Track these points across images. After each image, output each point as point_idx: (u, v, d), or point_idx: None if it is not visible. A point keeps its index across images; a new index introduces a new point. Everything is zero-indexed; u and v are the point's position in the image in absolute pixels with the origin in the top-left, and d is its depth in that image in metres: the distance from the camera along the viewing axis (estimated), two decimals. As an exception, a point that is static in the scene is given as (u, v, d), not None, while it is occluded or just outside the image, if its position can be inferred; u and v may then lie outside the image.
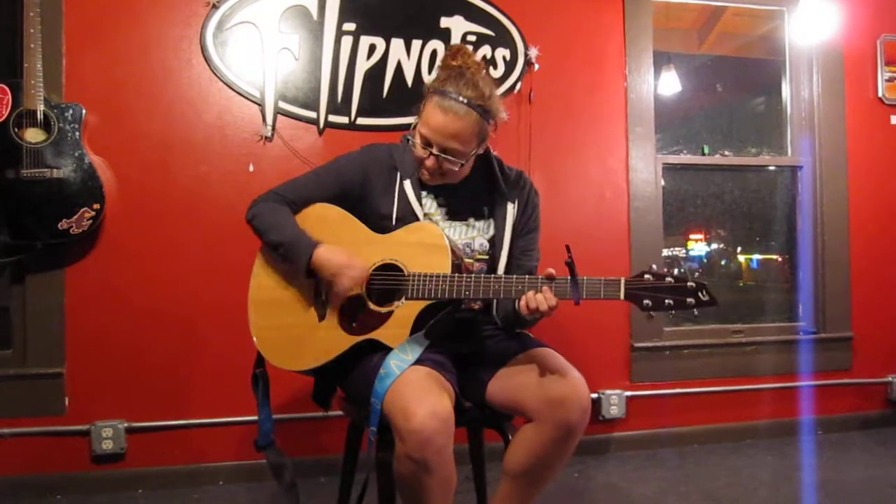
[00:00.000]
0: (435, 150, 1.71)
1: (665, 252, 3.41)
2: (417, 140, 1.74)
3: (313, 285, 1.77)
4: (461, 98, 1.67)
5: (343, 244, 1.74)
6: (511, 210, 1.85)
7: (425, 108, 1.72)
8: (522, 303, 1.58)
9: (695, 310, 1.51)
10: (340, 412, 1.94)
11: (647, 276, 1.53)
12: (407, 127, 2.71)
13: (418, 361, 1.61)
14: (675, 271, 1.53)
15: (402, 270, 1.69)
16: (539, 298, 1.56)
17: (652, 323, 3.23)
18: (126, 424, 2.69)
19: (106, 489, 2.68)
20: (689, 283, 1.50)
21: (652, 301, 1.51)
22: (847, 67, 3.49)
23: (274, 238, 1.75)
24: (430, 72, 2.97)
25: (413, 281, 1.66)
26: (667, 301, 1.51)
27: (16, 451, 2.62)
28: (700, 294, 1.50)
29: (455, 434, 1.52)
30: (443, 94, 1.69)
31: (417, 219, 1.76)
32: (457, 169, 1.74)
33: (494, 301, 1.83)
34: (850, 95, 3.48)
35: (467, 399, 1.73)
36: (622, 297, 1.53)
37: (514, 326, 1.83)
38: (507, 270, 1.83)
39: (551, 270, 1.58)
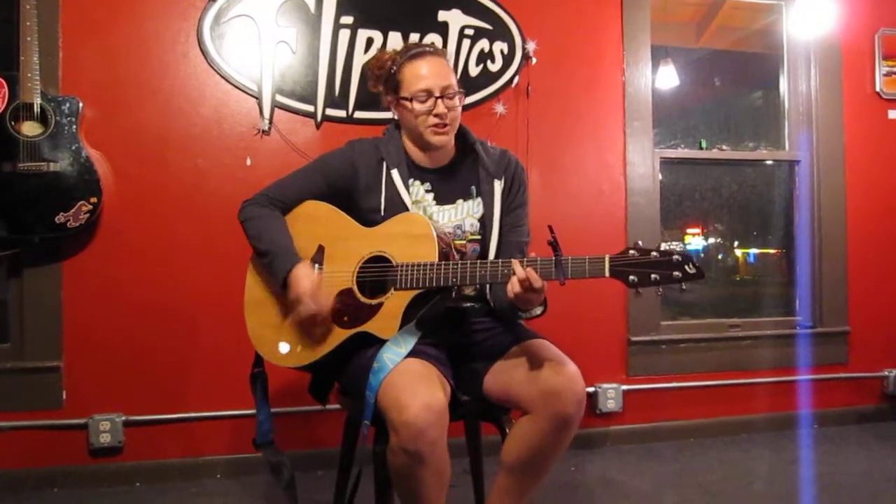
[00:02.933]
0: (437, 93, 1.75)
1: (663, 246, 3.40)
2: (416, 102, 1.76)
3: None
4: (427, 48, 1.83)
5: (333, 240, 1.78)
6: (498, 187, 1.86)
7: (405, 75, 1.79)
8: (509, 287, 1.56)
9: (682, 284, 1.49)
10: (338, 406, 1.94)
11: (632, 251, 1.51)
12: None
13: (413, 354, 1.62)
14: (662, 245, 1.50)
15: (390, 262, 1.70)
16: (518, 280, 1.54)
17: (649, 317, 3.23)
18: (124, 418, 2.70)
19: (103, 483, 2.68)
20: (674, 257, 1.48)
21: (638, 277, 1.50)
22: (845, 62, 3.48)
23: (260, 247, 1.79)
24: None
25: (401, 271, 1.67)
26: (653, 276, 1.49)
27: (13, 445, 2.63)
28: (686, 267, 1.47)
29: (452, 427, 1.52)
30: (414, 54, 1.80)
31: (406, 207, 1.77)
32: (458, 105, 1.79)
33: (487, 287, 1.84)
34: (848, 90, 3.48)
35: (464, 392, 1.73)
36: (607, 274, 1.52)
37: (510, 318, 1.84)
38: (499, 248, 1.83)
39: (534, 255, 1.59)
